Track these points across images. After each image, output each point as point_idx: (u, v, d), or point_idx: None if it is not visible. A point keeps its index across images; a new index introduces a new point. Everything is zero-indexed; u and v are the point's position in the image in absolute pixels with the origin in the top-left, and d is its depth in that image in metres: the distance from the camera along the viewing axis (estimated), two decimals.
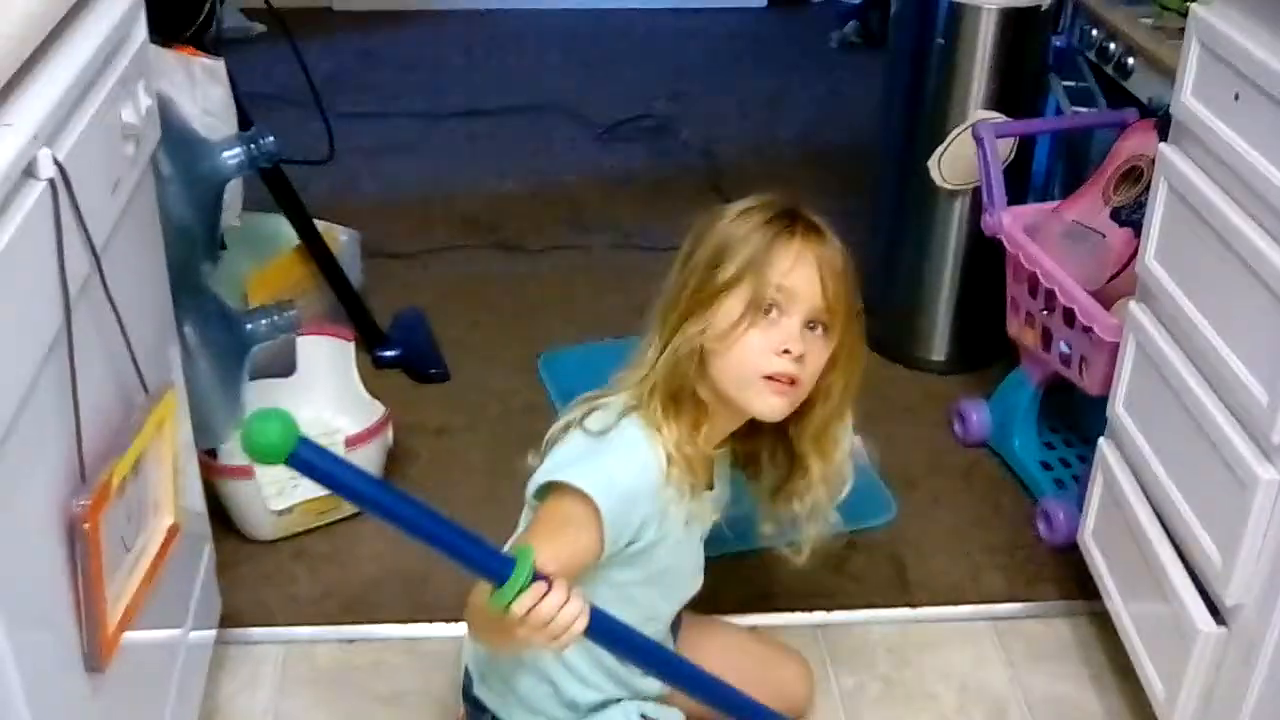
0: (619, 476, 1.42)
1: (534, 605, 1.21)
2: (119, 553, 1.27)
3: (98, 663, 1.23)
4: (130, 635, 1.31)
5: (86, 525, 1.15)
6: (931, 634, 1.97)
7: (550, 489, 1.43)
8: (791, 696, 1.75)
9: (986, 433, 2.32)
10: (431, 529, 1.20)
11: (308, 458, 1.11)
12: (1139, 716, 1.80)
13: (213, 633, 1.81)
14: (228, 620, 1.88)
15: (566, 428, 1.49)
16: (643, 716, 1.57)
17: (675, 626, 1.69)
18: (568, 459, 1.45)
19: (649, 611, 1.55)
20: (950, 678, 1.89)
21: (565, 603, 1.22)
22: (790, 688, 1.76)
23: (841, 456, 1.57)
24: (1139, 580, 1.69)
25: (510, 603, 1.20)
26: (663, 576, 1.52)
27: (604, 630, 1.30)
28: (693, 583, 1.61)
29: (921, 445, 2.35)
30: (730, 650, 1.75)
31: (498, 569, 1.21)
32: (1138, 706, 1.80)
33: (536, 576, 1.22)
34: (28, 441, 1.08)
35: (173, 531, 1.41)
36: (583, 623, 1.24)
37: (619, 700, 1.57)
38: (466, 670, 1.62)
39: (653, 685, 1.57)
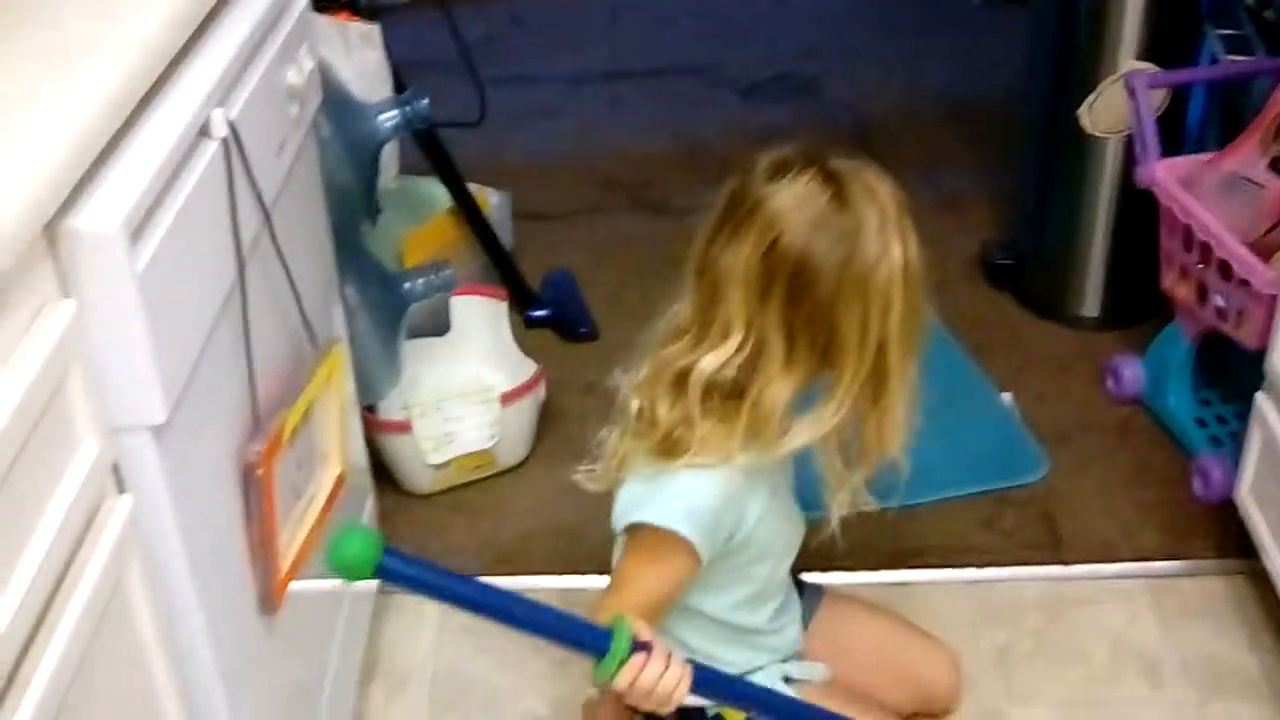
0: (694, 500, 1.37)
1: (635, 678, 1.23)
2: (290, 500, 1.32)
3: (270, 605, 1.29)
4: (300, 581, 1.36)
5: (260, 471, 1.20)
6: (1083, 591, 1.95)
7: (633, 526, 1.41)
8: (937, 689, 1.69)
9: (1140, 389, 2.29)
10: (527, 616, 1.24)
11: (392, 569, 1.14)
12: None
13: (375, 582, 1.87)
14: None
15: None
16: (786, 679, 1.57)
17: (814, 606, 1.67)
18: (640, 497, 1.40)
19: (768, 577, 1.54)
20: (1102, 635, 1.88)
21: (664, 671, 1.24)
22: (934, 687, 1.68)
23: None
24: None
25: (612, 677, 1.22)
26: (770, 545, 1.50)
27: (708, 684, 1.31)
28: (797, 532, 1.57)
29: (1073, 402, 2.32)
30: (872, 643, 1.70)
31: (596, 644, 1.23)
32: None
33: (635, 645, 1.23)
34: (206, 391, 1.14)
35: (340, 481, 1.46)
36: (685, 686, 1.25)
37: (760, 667, 1.58)
38: None
39: (788, 639, 1.59)
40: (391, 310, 2.02)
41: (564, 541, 2.01)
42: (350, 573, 1.12)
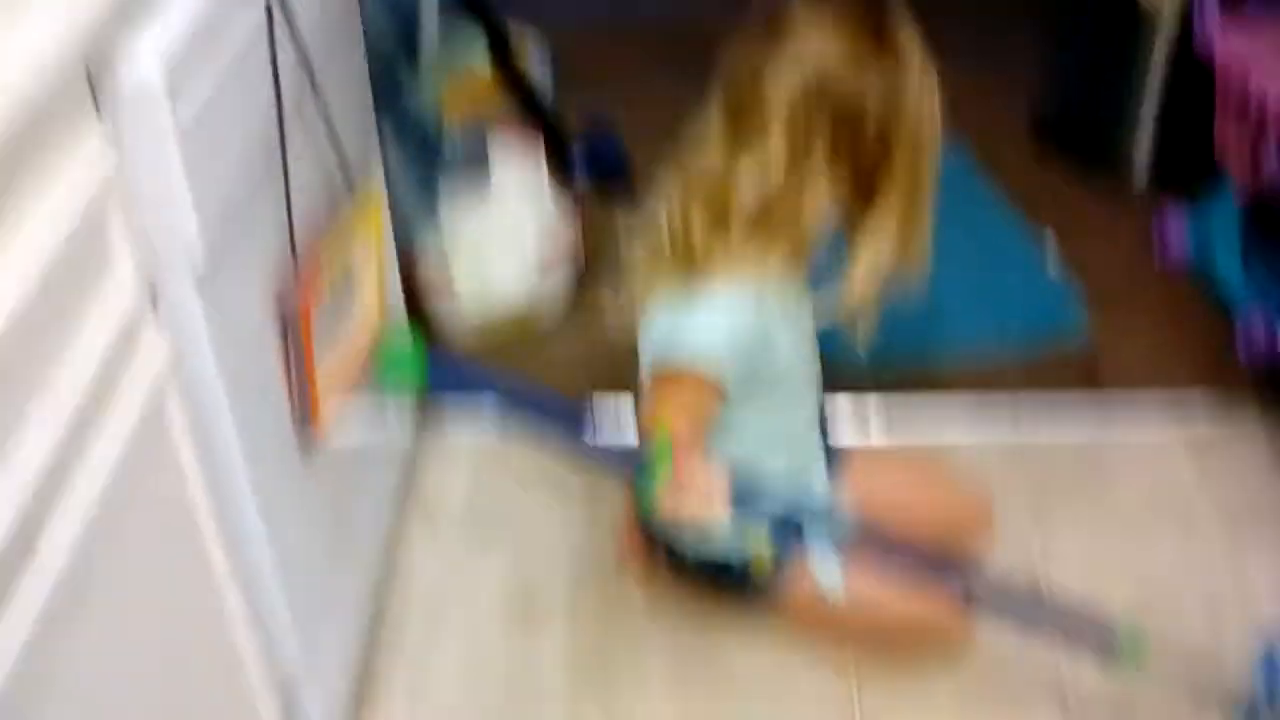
0: (714, 330, 1.38)
1: (676, 496, 1.26)
2: (328, 345, 1.34)
3: (309, 443, 1.31)
4: (338, 422, 1.38)
5: (300, 316, 1.21)
6: (1123, 447, 1.95)
7: (658, 366, 1.42)
8: (969, 538, 1.71)
9: (1188, 253, 2.26)
10: (571, 431, 1.27)
11: (440, 376, 1.16)
12: None
13: (411, 429, 1.89)
14: (427, 418, 1.97)
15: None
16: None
17: (839, 470, 1.68)
18: (664, 334, 1.42)
19: (792, 417, 1.56)
20: (1140, 490, 1.89)
21: (706, 487, 1.27)
22: (968, 529, 1.71)
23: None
24: None
25: (655, 494, 1.25)
26: (796, 378, 1.52)
27: (748, 500, 1.32)
28: (815, 354, 1.58)
29: (1119, 264, 2.30)
30: (906, 486, 1.72)
31: (639, 463, 1.26)
32: None
33: (676, 463, 1.26)
34: (246, 237, 1.16)
35: (377, 325, 1.47)
36: (724, 503, 1.28)
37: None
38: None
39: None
40: (430, 161, 2.02)
41: (601, 380, 2.01)
42: (400, 388, 1.12)
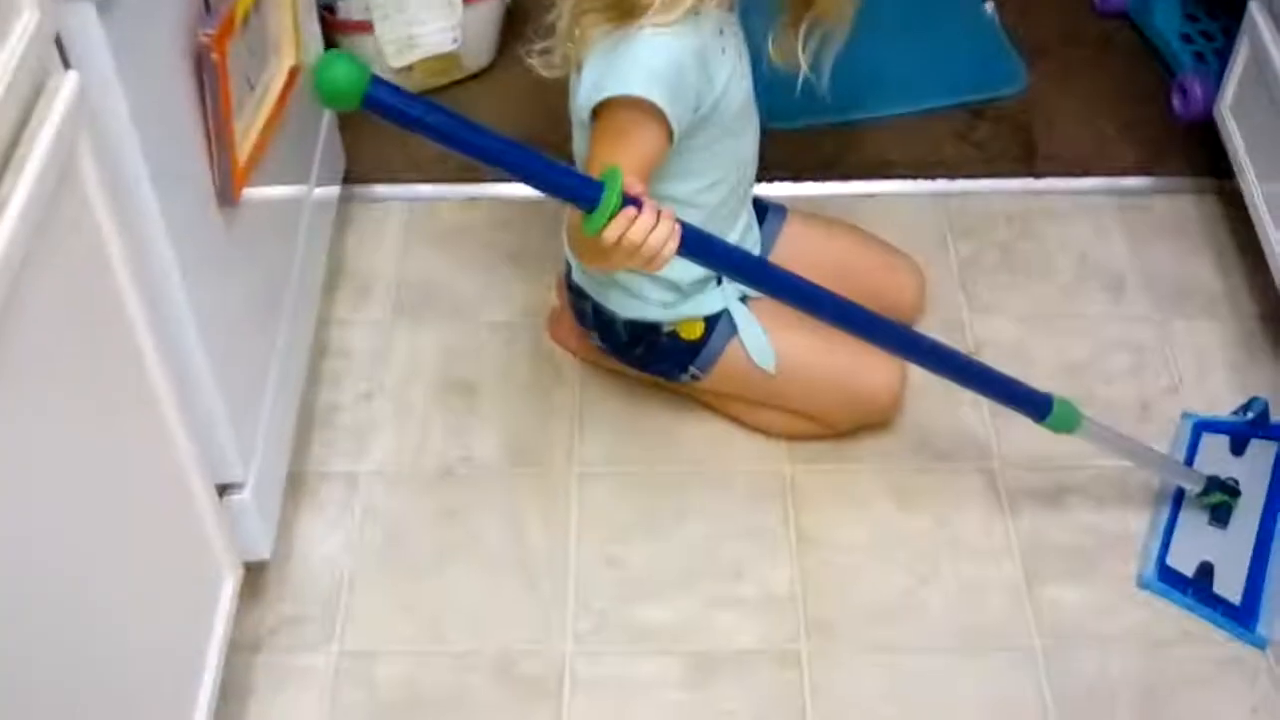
0: (658, 61, 1.32)
1: (625, 230, 1.17)
2: (244, 89, 1.27)
3: (229, 196, 1.26)
4: (259, 177, 1.33)
5: (214, 55, 1.14)
6: (1054, 205, 1.94)
7: (600, 108, 1.36)
8: (900, 301, 1.71)
9: (1126, 3, 2.22)
10: (517, 159, 1.15)
11: (381, 98, 1.05)
12: (1259, 297, 1.80)
13: (337, 188, 1.83)
14: (351, 177, 1.90)
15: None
16: (743, 298, 1.57)
17: (776, 230, 1.67)
18: (601, 77, 1.35)
19: (734, 159, 1.51)
20: (1069, 249, 1.88)
21: (655, 225, 1.17)
22: (900, 293, 1.71)
23: None
24: (1277, 153, 1.64)
25: (602, 228, 1.16)
26: (736, 117, 1.47)
27: (697, 245, 1.25)
28: (755, 120, 1.53)
29: (1056, 13, 2.25)
30: (836, 252, 1.70)
31: (587, 195, 1.16)
32: (1258, 285, 1.79)
33: (626, 200, 1.16)
34: None
35: (294, 73, 1.40)
36: (674, 243, 1.19)
37: (718, 282, 1.57)
38: (566, 260, 1.62)
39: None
40: None
41: (532, 146, 1.96)
42: (337, 98, 1.04)
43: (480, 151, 1.15)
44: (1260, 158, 1.70)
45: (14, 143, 0.90)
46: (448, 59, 2.05)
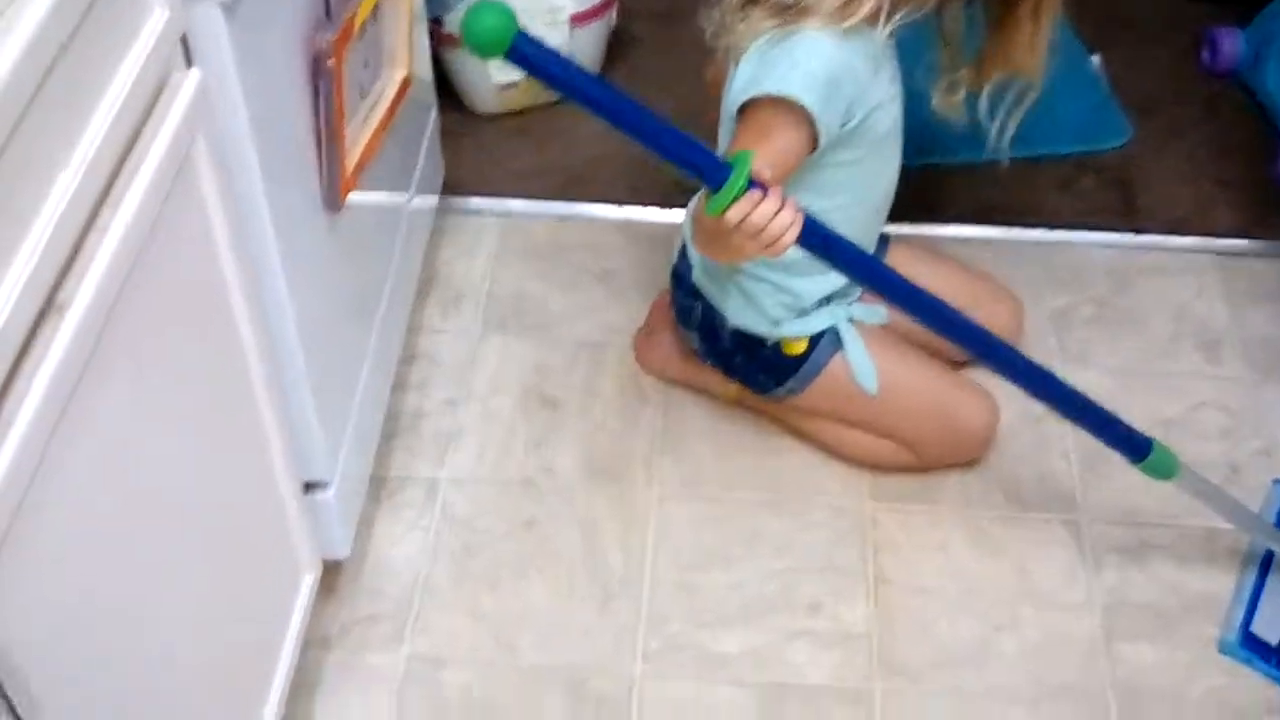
0: (814, 64, 1.34)
1: (748, 213, 1.17)
2: (357, 97, 1.29)
3: (335, 201, 1.27)
4: (364, 183, 1.34)
5: (331, 61, 1.16)
6: (1153, 261, 1.92)
7: (749, 105, 1.37)
8: (999, 331, 1.70)
9: (1237, 62, 2.19)
10: (651, 128, 1.16)
11: (526, 51, 1.06)
12: None
13: (435, 198, 1.85)
14: (450, 188, 1.92)
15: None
16: (851, 320, 1.57)
17: (880, 254, 1.66)
18: (757, 73, 1.36)
19: (869, 185, 1.53)
20: (1166, 306, 1.86)
21: (779, 210, 1.18)
22: (999, 322, 1.66)
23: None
24: None
25: (726, 208, 1.17)
26: (881, 144, 1.48)
27: (818, 239, 1.25)
28: (897, 154, 1.55)
29: (1165, 70, 2.23)
30: (939, 278, 1.64)
31: (715, 173, 1.17)
32: None
33: (752, 184, 1.17)
34: None
35: (406, 83, 1.42)
36: (795, 231, 1.19)
37: (829, 299, 1.58)
38: (684, 255, 1.63)
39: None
40: None
41: (629, 171, 1.98)
42: (485, 44, 1.05)
43: (615, 115, 1.15)
44: None
45: (136, 135, 0.92)
46: None
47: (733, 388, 1.68)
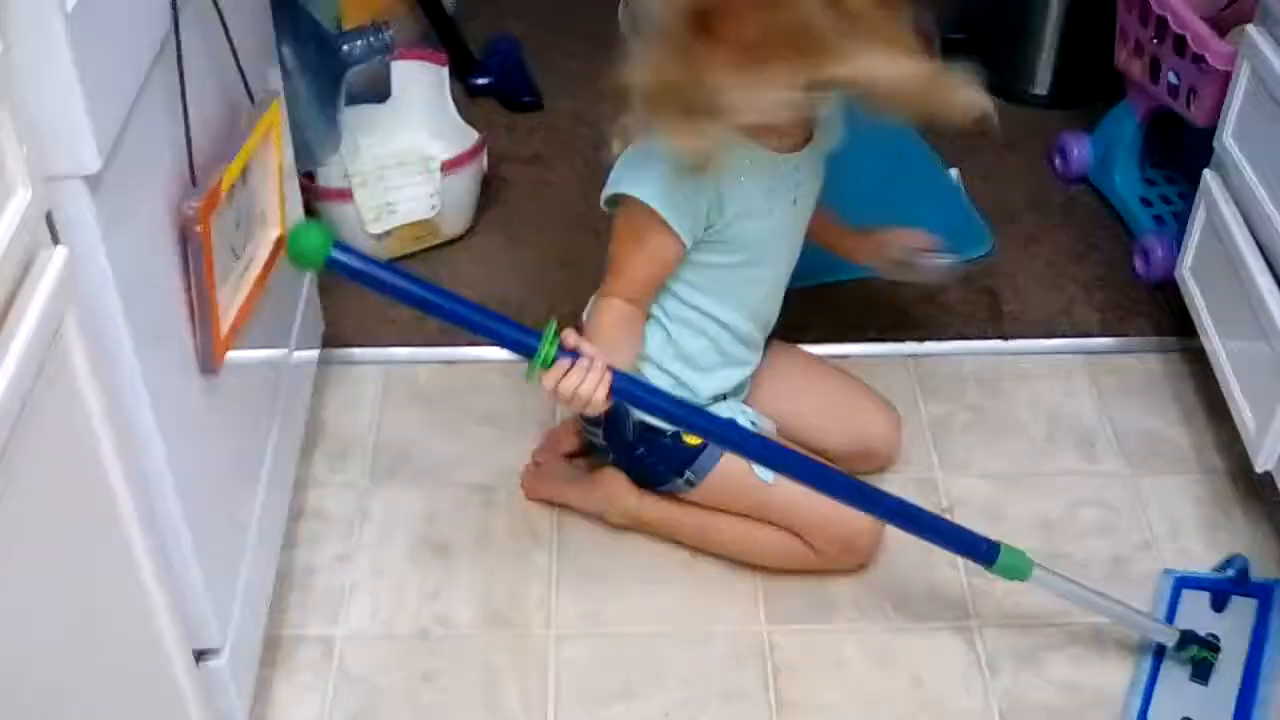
0: (668, 169, 1.43)
1: (558, 381, 1.35)
2: (229, 259, 1.29)
3: (211, 364, 1.27)
4: (240, 343, 1.34)
5: (199, 227, 1.17)
6: (1023, 366, 1.97)
7: (618, 199, 1.50)
8: (875, 445, 1.75)
9: (1087, 168, 2.28)
10: (467, 315, 1.35)
11: (341, 262, 1.29)
12: (1226, 452, 1.82)
13: (316, 352, 1.85)
14: (330, 341, 1.93)
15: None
16: (753, 423, 1.62)
17: (765, 345, 1.71)
18: (623, 169, 1.49)
19: (742, 300, 1.59)
20: (1039, 409, 1.91)
21: (584, 379, 1.34)
22: (875, 438, 1.75)
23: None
24: (1236, 314, 1.67)
25: (536, 377, 1.36)
26: (757, 258, 1.55)
27: (630, 393, 1.41)
28: (787, 262, 1.63)
29: (1020, 179, 2.32)
30: (817, 388, 1.76)
31: (528, 346, 1.35)
32: (1226, 442, 1.82)
33: (563, 350, 1.34)
34: (141, 143, 1.10)
35: (279, 243, 1.43)
36: (602, 393, 1.35)
37: (725, 396, 1.64)
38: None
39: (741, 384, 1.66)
40: (329, 74, 1.96)
41: (510, 312, 1.95)
42: (304, 261, 1.30)
43: (431, 307, 1.35)
44: (1220, 318, 1.74)
45: (3, 316, 0.91)
46: (426, 225, 2.09)
47: (622, 504, 1.69)
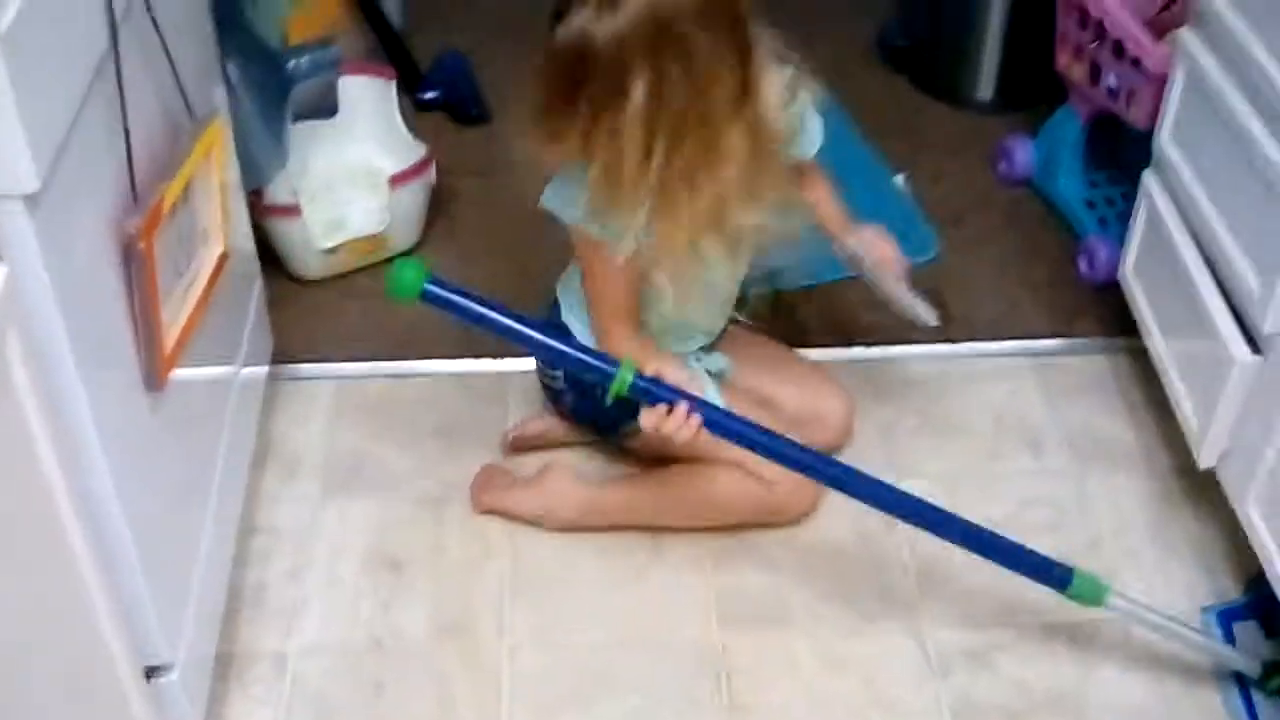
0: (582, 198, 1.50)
1: (657, 424, 1.46)
2: (172, 277, 1.30)
3: (156, 382, 1.27)
4: (186, 360, 1.34)
5: (141, 245, 1.17)
6: (969, 369, 1.99)
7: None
8: (831, 427, 1.80)
9: (1031, 171, 2.31)
10: (548, 344, 1.48)
11: (438, 293, 1.41)
12: (1172, 450, 1.84)
13: (265, 368, 1.85)
14: (280, 356, 1.92)
15: None
16: (708, 372, 1.69)
17: (722, 330, 1.77)
18: (552, 188, 1.56)
19: (681, 310, 1.62)
20: (986, 411, 1.93)
21: (683, 422, 1.45)
22: (831, 418, 1.80)
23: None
24: (1178, 313, 1.70)
25: (617, 394, 1.45)
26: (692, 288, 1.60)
27: (722, 430, 1.49)
28: (731, 280, 1.70)
29: (965, 184, 2.34)
30: (777, 371, 1.80)
31: (607, 374, 1.46)
32: (1171, 440, 1.83)
33: (639, 377, 1.45)
34: (81, 161, 1.10)
35: (223, 259, 1.43)
36: (688, 433, 1.46)
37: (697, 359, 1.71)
38: (555, 302, 1.73)
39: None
40: (275, 90, 1.96)
41: (460, 326, 1.99)
42: (401, 294, 1.40)
43: (522, 339, 1.47)
44: (1163, 318, 1.76)
45: None
46: (376, 239, 2.09)
47: (562, 516, 1.73)
